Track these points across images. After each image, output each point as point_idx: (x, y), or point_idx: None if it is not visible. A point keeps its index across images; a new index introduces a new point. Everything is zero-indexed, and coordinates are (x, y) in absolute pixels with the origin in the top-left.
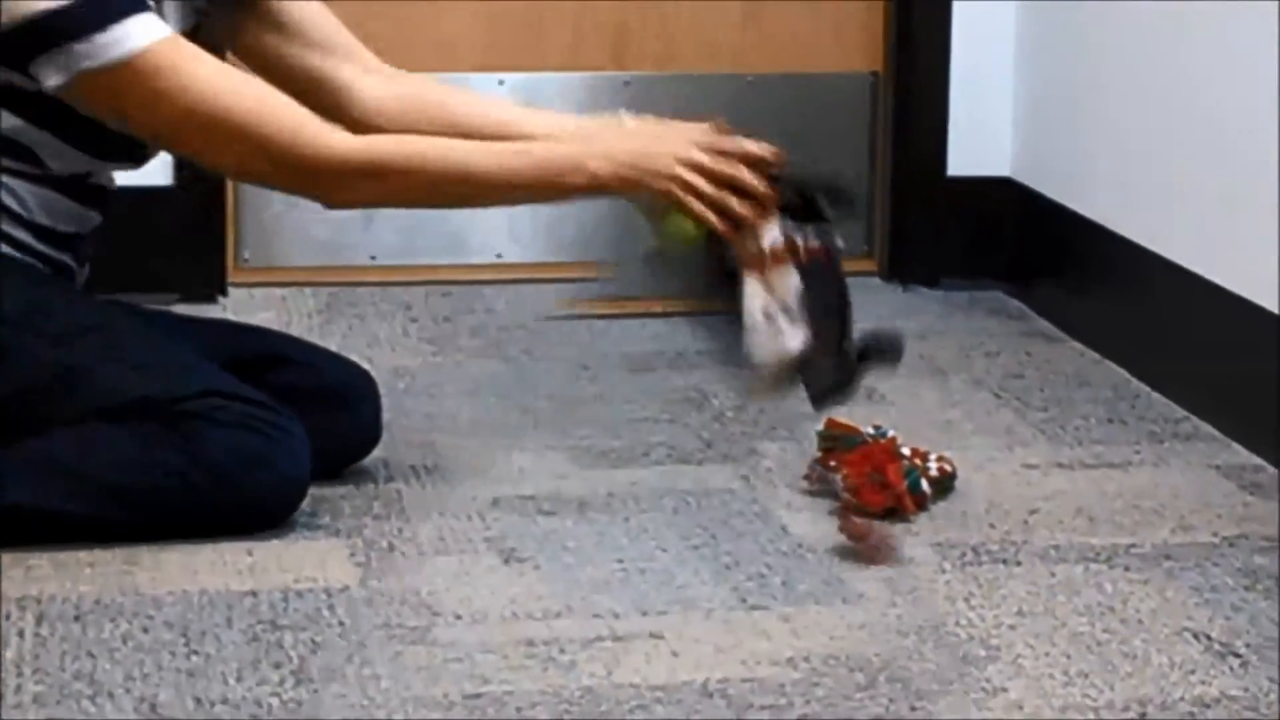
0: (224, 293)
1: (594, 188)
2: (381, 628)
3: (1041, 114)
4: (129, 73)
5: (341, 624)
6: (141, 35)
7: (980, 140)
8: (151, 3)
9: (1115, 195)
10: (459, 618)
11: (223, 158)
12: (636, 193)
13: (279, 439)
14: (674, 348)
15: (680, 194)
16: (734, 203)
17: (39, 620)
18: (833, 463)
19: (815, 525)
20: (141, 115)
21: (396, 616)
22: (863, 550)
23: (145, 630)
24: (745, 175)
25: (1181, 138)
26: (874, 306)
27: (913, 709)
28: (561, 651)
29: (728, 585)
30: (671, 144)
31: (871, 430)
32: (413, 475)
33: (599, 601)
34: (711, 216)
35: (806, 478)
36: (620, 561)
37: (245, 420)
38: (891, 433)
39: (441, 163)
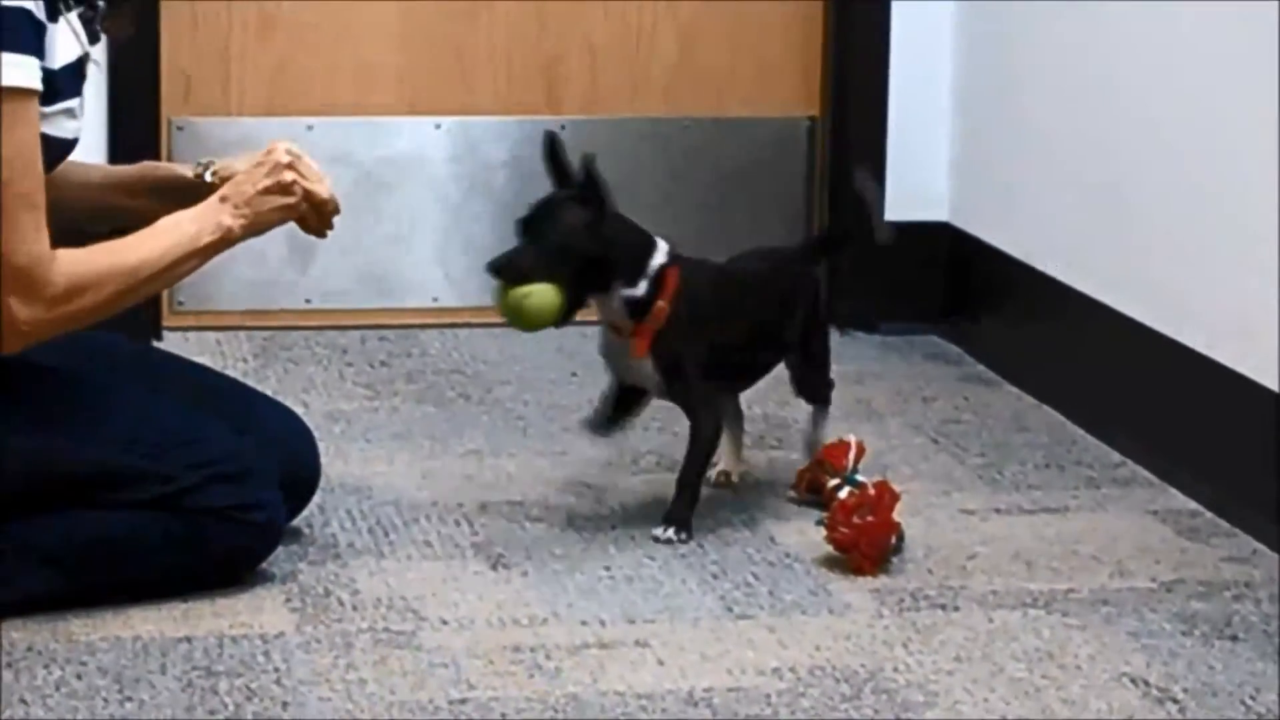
0: (158, 336)
1: (232, 240)
2: (367, 632)
3: (979, 159)
4: None
5: (277, 670)
6: (9, 75)
7: (917, 184)
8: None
9: (1052, 240)
10: (445, 623)
11: None
12: (266, 226)
13: (265, 528)
14: None
15: (292, 207)
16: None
17: None
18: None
19: (803, 535)
20: None
21: (382, 621)
22: (850, 560)
23: (79, 677)
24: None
25: (1120, 183)
26: None
27: (898, 719)
28: (548, 658)
29: (715, 594)
30: (261, 178)
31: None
32: (349, 520)
33: (586, 609)
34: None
35: (794, 488)
36: (607, 569)
37: (241, 511)
38: (861, 478)
39: (127, 278)
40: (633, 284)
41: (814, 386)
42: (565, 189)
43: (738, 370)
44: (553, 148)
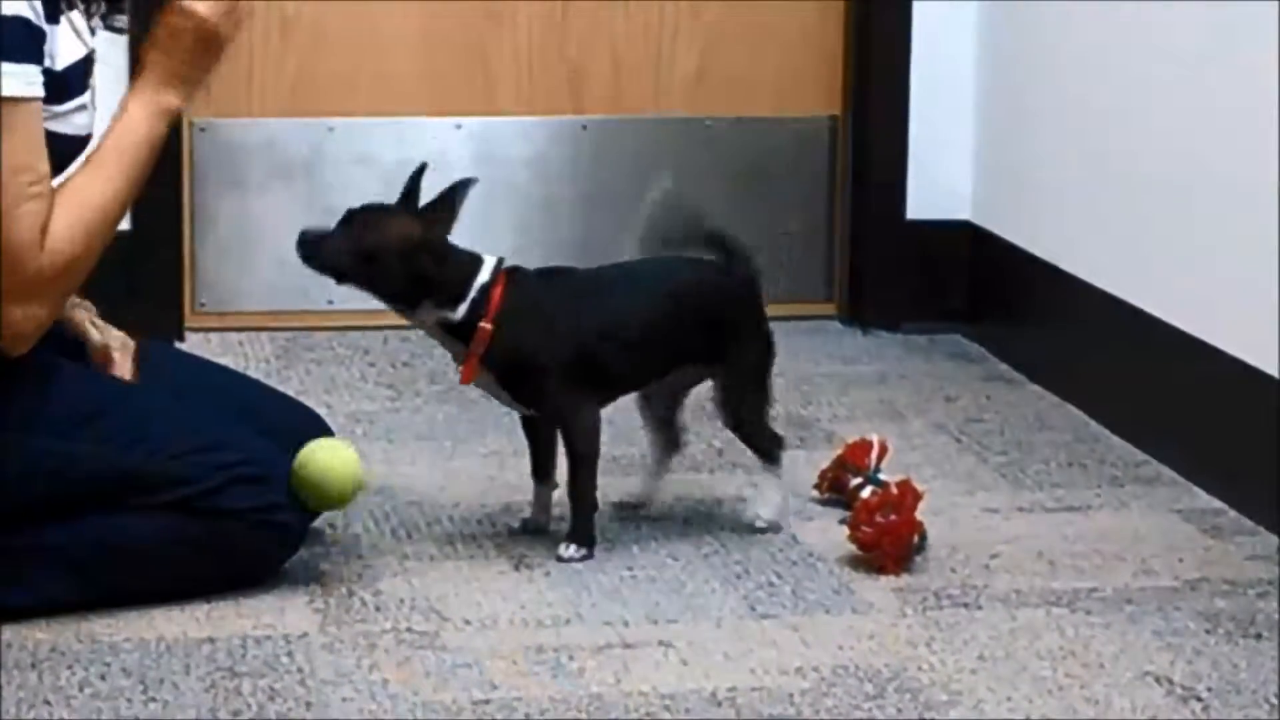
0: (181, 338)
1: (182, 109)
2: (390, 632)
3: (1001, 158)
4: None
5: (300, 670)
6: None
7: (939, 184)
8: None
9: (1075, 238)
10: (468, 623)
11: None
12: (207, 73)
13: (288, 530)
14: None
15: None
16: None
17: None
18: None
19: (825, 534)
20: None
21: (405, 621)
22: (873, 559)
23: (102, 678)
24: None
25: (1143, 181)
26: (833, 349)
27: (921, 719)
28: (570, 658)
29: (738, 594)
30: (184, 28)
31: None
32: (371, 521)
33: (609, 609)
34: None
35: (817, 487)
36: (630, 569)
37: (263, 513)
38: (884, 477)
39: (107, 212)
40: (449, 307)
41: (735, 411)
42: (408, 206)
43: (621, 377)
44: (416, 179)
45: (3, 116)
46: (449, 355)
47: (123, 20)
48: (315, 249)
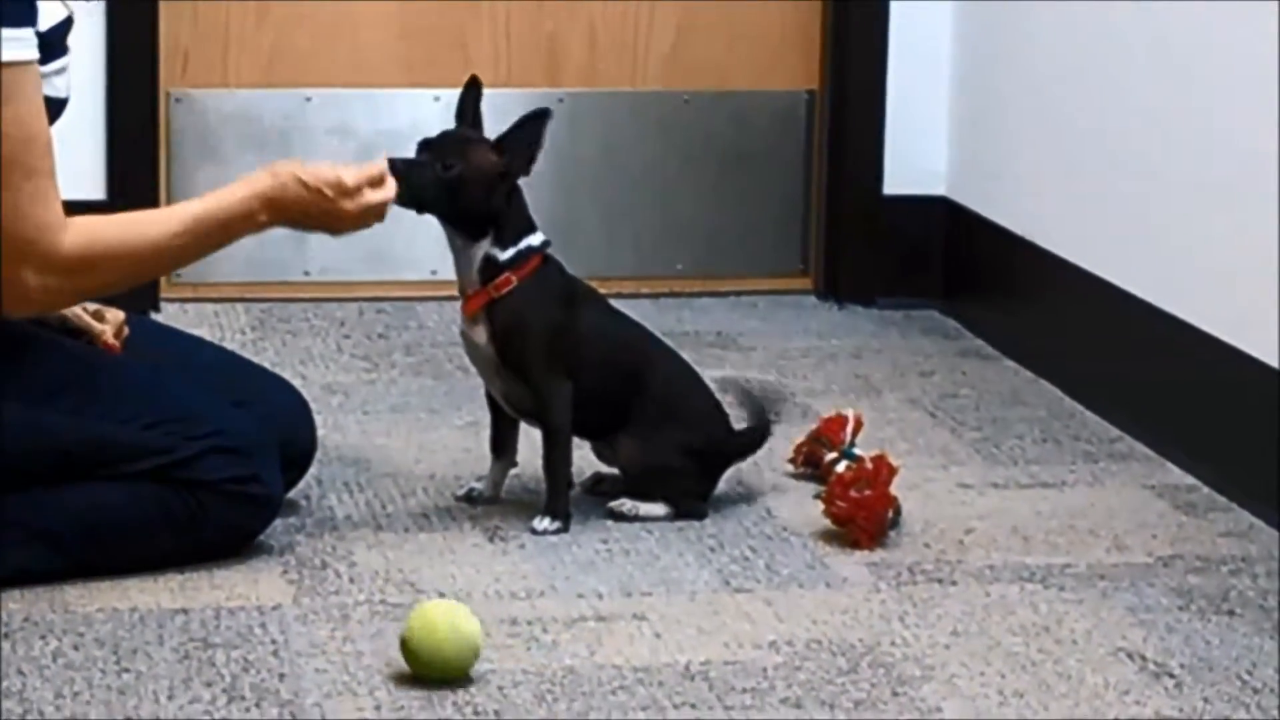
0: (156, 308)
1: (263, 230)
2: (364, 604)
3: (977, 133)
4: None
5: (274, 641)
6: (5, 50)
7: (915, 159)
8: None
9: (1050, 214)
10: (442, 595)
11: None
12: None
13: (264, 501)
14: (660, 328)
15: (322, 231)
16: (370, 220)
17: None
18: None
19: (800, 509)
20: None
21: (379, 593)
22: (847, 533)
23: (76, 648)
24: (367, 199)
25: (1117, 157)
26: (809, 324)
27: (895, 694)
28: (544, 631)
29: (712, 567)
30: (308, 207)
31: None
32: (346, 493)
33: (583, 581)
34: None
35: (791, 461)
36: (604, 542)
37: (239, 484)
38: (858, 452)
39: (142, 253)
40: (500, 248)
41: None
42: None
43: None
44: (475, 92)
45: (7, 83)
46: (426, 327)
47: None
48: (414, 181)
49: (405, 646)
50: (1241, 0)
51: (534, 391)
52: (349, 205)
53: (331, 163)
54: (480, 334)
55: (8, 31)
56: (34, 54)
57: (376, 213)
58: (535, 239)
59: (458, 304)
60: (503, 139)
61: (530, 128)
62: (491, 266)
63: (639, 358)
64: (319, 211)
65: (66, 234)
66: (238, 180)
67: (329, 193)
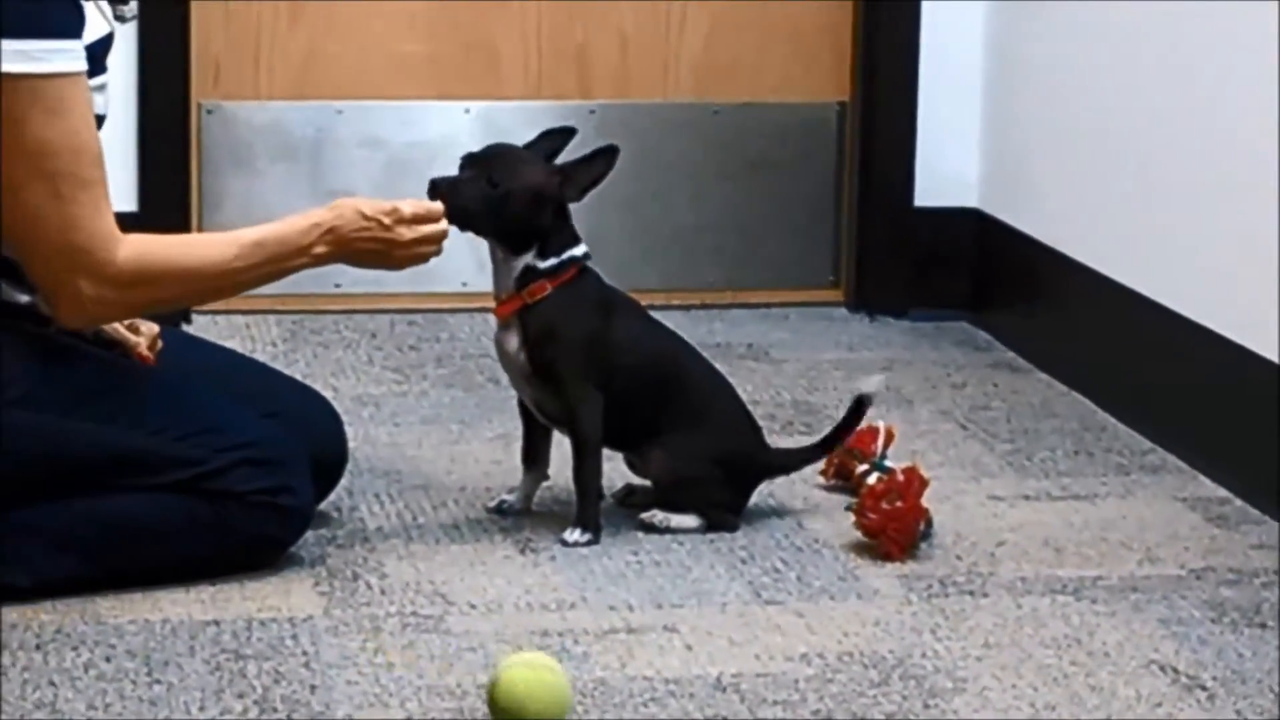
0: (187, 320)
1: (319, 264)
2: (395, 615)
3: (1007, 145)
4: (22, 88)
5: (305, 653)
6: (52, 62)
7: (946, 170)
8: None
9: (1082, 227)
10: (473, 607)
11: (23, 206)
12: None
13: (294, 513)
14: (690, 340)
15: (377, 265)
16: (424, 251)
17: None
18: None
19: (831, 521)
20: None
21: (410, 604)
22: (879, 545)
23: (107, 659)
24: (424, 230)
25: (1150, 169)
26: (840, 336)
27: (926, 706)
28: (575, 643)
29: (743, 579)
30: (365, 233)
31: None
32: (377, 504)
33: (614, 593)
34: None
35: (823, 473)
36: (635, 554)
37: (270, 495)
38: (890, 464)
39: (197, 274)
40: (541, 258)
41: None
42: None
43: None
44: (562, 138)
45: (62, 94)
46: (457, 339)
47: (130, 10)
48: (458, 200)
49: (494, 705)
50: (1270, 10)
51: (564, 401)
52: (406, 234)
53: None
54: (512, 341)
55: (59, 43)
56: (83, 65)
57: (433, 240)
58: (578, 250)
59: (489, 316)
60: (567, 165)
61: (599, 162)
62: (530, 274)
63: (672, 368)
64: (377, 241)
65: (121, 247)
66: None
67: (387, 220)
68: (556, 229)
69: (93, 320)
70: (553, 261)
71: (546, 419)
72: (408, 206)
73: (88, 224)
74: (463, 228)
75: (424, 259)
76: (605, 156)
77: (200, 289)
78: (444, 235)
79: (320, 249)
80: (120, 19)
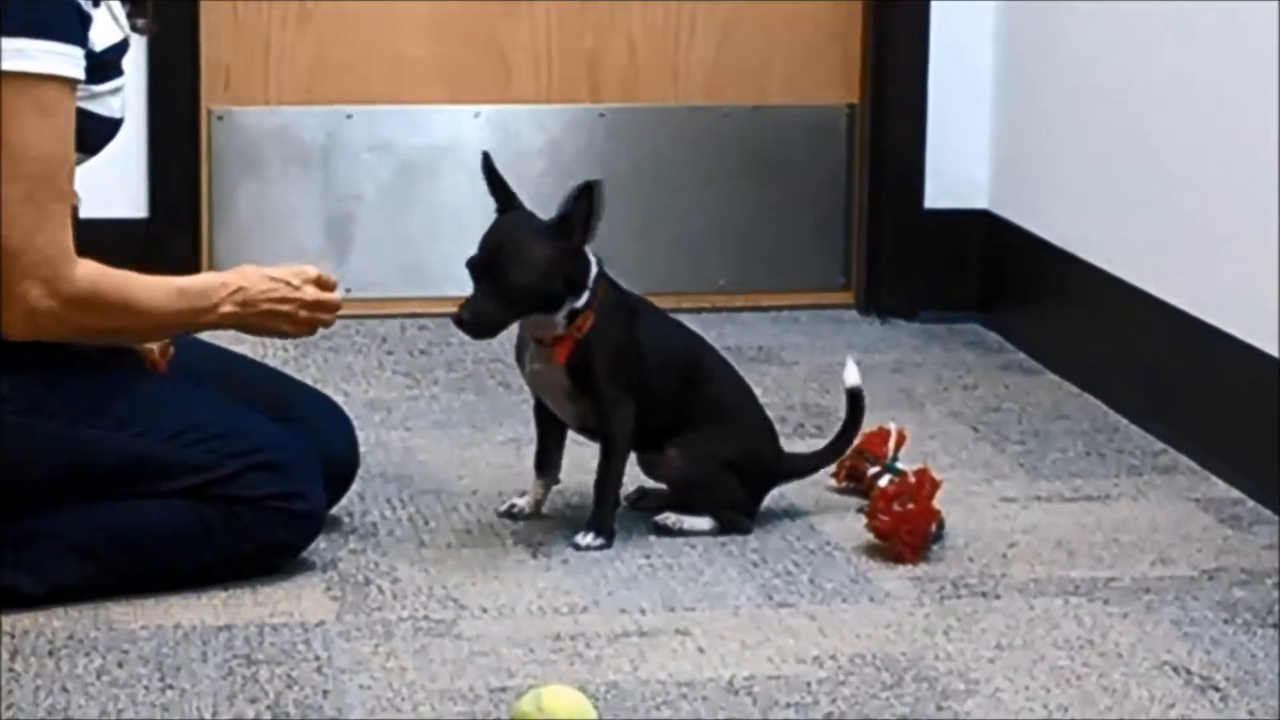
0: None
1: (223, 325)
2: (407, 620)
3: (1018, 146)
4: (15, 86)
5: (317, 658)
6: (46, 62)
7: (956, 172)
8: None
9: (1092, 227)
10: (485, 611)
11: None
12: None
13: (306, 518)
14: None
15: (281, 328)
16: (324, 317)
17: (13, 655)
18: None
19: (843, 523)
20: None
21: (422, 609)
22: (890, 548)
23: (120, 665)
24: (327, 296)
25: (1160, 170)
26: (851, 339)
27: (939, 708)
28: (588, 646)
29: (755, 582)
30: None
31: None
32: (389, 509)
33: (626, 597)
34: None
35: (834, 476)
36: (647, 557)
37: (282, 500)
38: (901, 466)
39: (133, 311)
40: (577, 298)
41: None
42: (515, 213)
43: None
44: (488, 167)
45: (53, 97)
46: (467, 343)
47: (144, 23)
48: (486, 325)
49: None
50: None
51: (598, 408)
52: (311, 294)
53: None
54: (557, 370)
55: (56, 46)
56: (78, 73)
57: (332, 308)
58: (595, 266)
59: None
60: (562, 221)
61: (583, 203)
62: (573, 314)
63: (695, 367)
64: (284, 300)
65: (79, 266)
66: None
67: (295, 281)
68: (578, 274)
69: (34, 332)
70: (587, 293)
71: (585, 433)
72: (312, 269)
73: (55, 234)
74: (499, 330)
75: (324, 324)
76: (588, 193)
77: (137, 326)
78: (339, 307)
79: (227, 308)
80: (135, 30)
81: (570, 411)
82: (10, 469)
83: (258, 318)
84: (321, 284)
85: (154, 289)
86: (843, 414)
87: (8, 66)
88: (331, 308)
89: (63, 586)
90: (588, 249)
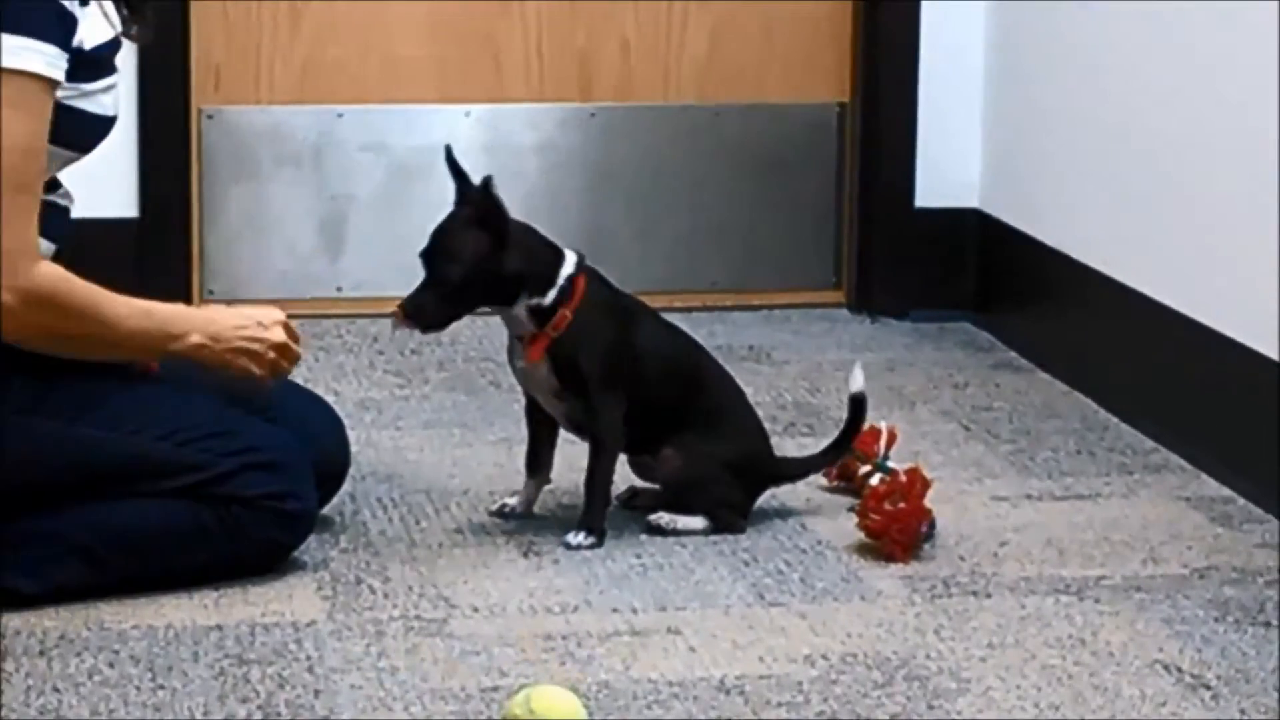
0: None
1: (188, 355)
2: (398, 619)
3: (1009, 145)
4: None
5: (308, 658)
6: (20, 59)
7: (948, 171)
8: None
9: (1084, 226)
10: (476, 611)
11: None
12: (216, 367)
13: (298, 518)
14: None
15: (247, 367)
16: (284, 365)
17: (3, 656)
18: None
19: (834, 522)
20: None
21: (414, 608)
22: (882, 547)
23: (111, 665)
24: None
25: (1151, 169)
26: (842, 338)
27: (930, 707)
28: (579, 645)
29: (746, 581)
30: (246, 337)
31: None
32: (380, 508)
33: (617, 596)
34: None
35: (826, 475)
36: (639, 556)
37: (274, 500)
38: (892, 465)
39: (97, 319)
40: (541, 295)
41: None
42: (461, 206)
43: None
44: (450, 158)
45: (29, 92)
46: (458, 343)
47: (139, 31)
48: (426, 316)
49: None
50: (1276, 10)
51: (589, 407)
52: (279, 335)
53: None
54: (541, 368)
55: (36, 44)
56: (57, 74)
57: (292, 356)
58: (569, 263)
59: (491, 320)
60: (481, 215)
61: (492, 192)
62: (540, 312)
63: (690, 369)
64: (253, 340)
65: (41, 265)
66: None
67: (265, 320)
68: (534, 260)
69: None
70: (555, 290)
71: (576, 431)
72: (281, 313)
73: (18, 228)
74: (444, 326)
75: (284, 372)
76: (485, 189)
77: (100, 335)
78: (299, 358)
79: (196, 339)
80: (129, 37)
81: (559, 409)
82: (6, 469)
83: (226, 353)
84: (288, 330)
85: (121, 304)
86: (834, 412)
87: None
88: (293, 356)
89: (61, 587)
90: (565, 247)
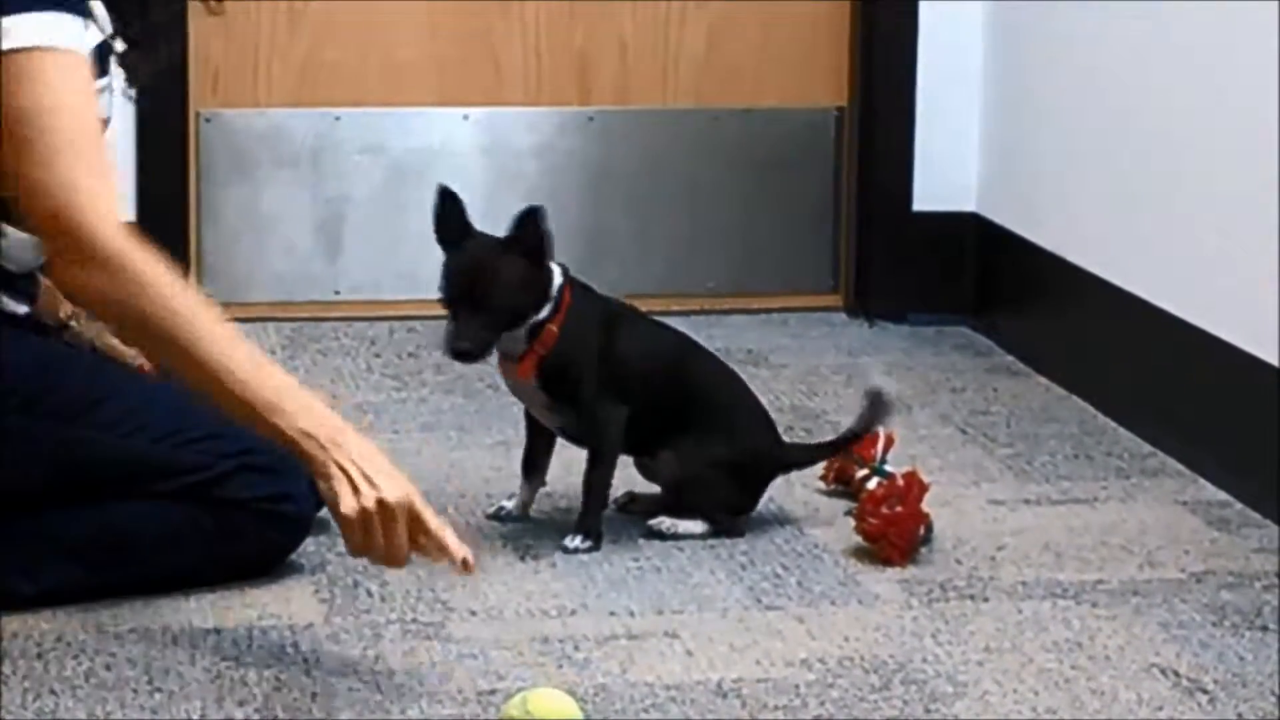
0: None
1: (280, 437)
2: (395, 623)
3: (1007, 148)
4: (10, 63)
5: (306, 661)
6: (42, 35)
7: (946, 175)
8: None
9: (1081, 230)
10: (473, 614)
11: (26, 174)
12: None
13: (295, 520)
14: None
15: (340, 493)
16: (376, 537)
17: (0, 658)
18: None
19: (831, 526)
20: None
21: (411, 611)
22: (879, 550)
23: (108, 668)
24: (401, 539)
25: (1149, 172)
26: (839, 341)
27: (927, 711)
28: (576, 649)
29: (743, 585)
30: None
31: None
32: None
33: (614, 599)
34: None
35: (823, 478)
36: (635, 560)
37: (271, 502)
38: (890, 468)
39: (168, 312)
40: (537, 312)
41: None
42: (474, 239)
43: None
44: (450, 200)
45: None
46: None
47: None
48: (475, 350)
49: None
50: (1276, 11)
51: (586, 416)
52: (390, 498)
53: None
54: (531, 383)
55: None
56: (69, 41)
57: (391, 536)
58: (556, 274)
59: None
60: (523, 245)
61: (531, 227)
62: (535, 328)
63: (681, 369)
64: (375, 468)
65: (125, 230)
66: None
67: (396, 485)
68: (543, 286)
69: (65, 276)
70: (549, 306)
71: (572, 440)
72: (420, 503)
73: (106, 208)
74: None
75: (375, 547)
76: (534, 218)
77: (156, 317)
78: (402, 558)
79: (307, 424)
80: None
81: (554, 421)
82: (4, 470)
83: (334, 465)
84: (414, 521)
85: (215, 321)
86: (831, 416)
87: (36, 41)
88: (386, 550)
89: (58, 588)
90: (554, 266)
